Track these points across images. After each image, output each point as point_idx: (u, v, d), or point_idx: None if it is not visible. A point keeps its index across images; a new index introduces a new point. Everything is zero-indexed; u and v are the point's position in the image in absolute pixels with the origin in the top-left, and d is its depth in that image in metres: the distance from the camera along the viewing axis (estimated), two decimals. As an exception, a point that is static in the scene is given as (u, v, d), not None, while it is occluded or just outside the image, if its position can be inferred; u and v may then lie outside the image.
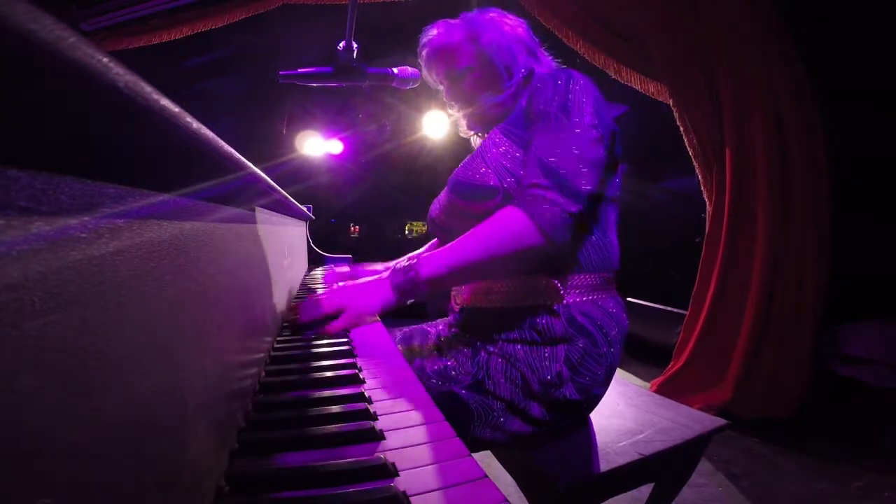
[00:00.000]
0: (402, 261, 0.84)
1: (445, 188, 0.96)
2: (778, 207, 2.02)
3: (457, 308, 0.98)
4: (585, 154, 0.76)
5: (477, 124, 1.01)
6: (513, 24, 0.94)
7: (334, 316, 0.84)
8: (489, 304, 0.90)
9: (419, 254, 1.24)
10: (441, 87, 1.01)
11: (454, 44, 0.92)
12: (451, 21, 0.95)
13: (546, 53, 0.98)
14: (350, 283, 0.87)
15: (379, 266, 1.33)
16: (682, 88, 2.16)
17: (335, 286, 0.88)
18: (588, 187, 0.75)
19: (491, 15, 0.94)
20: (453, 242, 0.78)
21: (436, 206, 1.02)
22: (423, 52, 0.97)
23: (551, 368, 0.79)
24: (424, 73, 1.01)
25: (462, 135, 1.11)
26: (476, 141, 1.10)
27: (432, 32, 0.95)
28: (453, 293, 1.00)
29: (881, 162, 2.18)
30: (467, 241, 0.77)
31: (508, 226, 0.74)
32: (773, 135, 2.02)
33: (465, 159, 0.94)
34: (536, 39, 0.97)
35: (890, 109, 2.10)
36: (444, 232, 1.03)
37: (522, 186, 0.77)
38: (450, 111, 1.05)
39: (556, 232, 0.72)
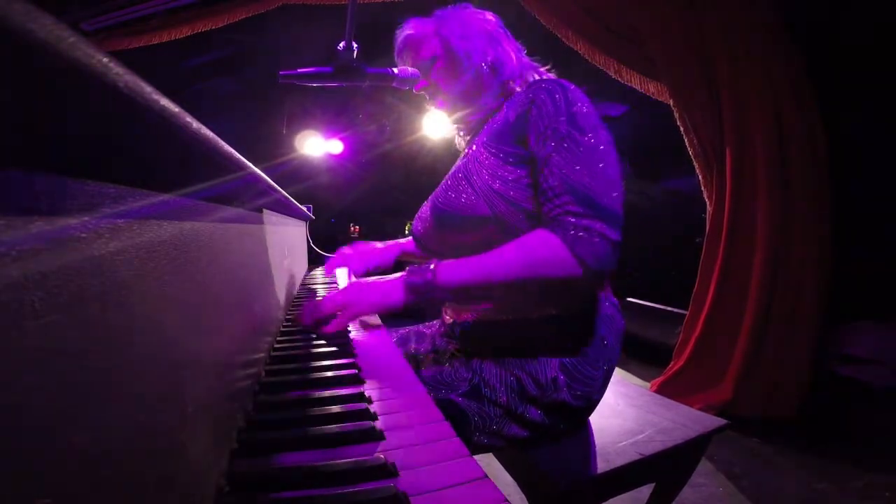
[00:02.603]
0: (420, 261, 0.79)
1: (427, 207, 0.91)
2: (778, 207, 2.02)
3: (448, 321, 0.95)
4: (613, 175, 0.72)
5: (454, 121, 1.00)
6: (482, 18, 0.93)
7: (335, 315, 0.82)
8: (481, 317, 0.87)
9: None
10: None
11: (420, 36, 0.93)
12: (423, 18, 0.96)
13: (515, 45, 0.95)
14: (360, 280, 0.84)
15: (380, 245, 1.31)
16: (682, 88, 2.15)
17: (347, 284, 0.83)
18: (619, 206, 0.72)
19: (460, 9, 0.94)
20: (479, 256, 0.74)
21: (419, 225, 0.96)
22: (397, 47, 0.98)
23: (546, 373, 0.78)
24: (398, 66, 0.99)
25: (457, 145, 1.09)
26: (459, 143, 1.08)
27: (405, 28, 0.96)
28: (445, 306, 0.97)
29: (881, 161, 2.17)
30: (495, 259, 0.72)
31: (545, 253, 0.69)
32: (773, 135, 2.02)
33: (445, 179, 0.88)
34: (507, 32, 0.95)
35: (890, 109, 2.10)
36: (434, 253, 0.96)
37: (550, 213, 0.72)
38: (427, 105, 1.03)
39: (601, 262, 0.68)
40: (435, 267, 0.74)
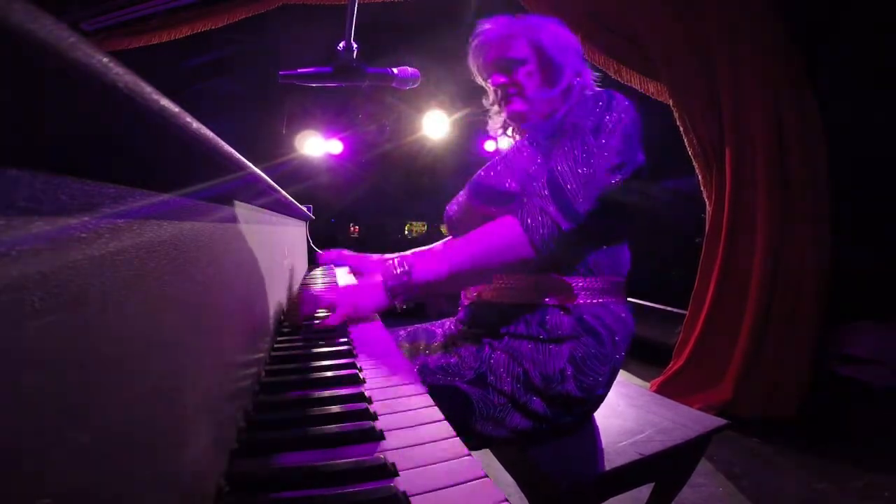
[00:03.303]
0: (395, 259, 0.87)
1: (465, 189, 0.98)
2: (778, 207, 2.02)
3: (466, 302, 0.99)
4: (595, 176, 0.76)
5: (517, 120, 1.01)
6: (570, 34, 0.99)
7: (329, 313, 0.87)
8: (499, 299, 0.91)
9: (420, 251, 1.25)
10: (483, 78, 1.02)
11: (508, 35, 0.95)
12: (512, 17, 0.98)
13: (588, 66, 1.02)
14: (348, 285, 0.90)
15: (382, 256, 1.37)
16: (682, 88, 2.16)
17: (335, 286, 0.91)
18: (585, 208, 0.76)
19: (549, 21, 0.98)
20: (446, 247, 0.81)
21: (453, 207, 1.03)
22: (476, 41, 0.98)
23: (555, 364, 0.80)
24: (470, 60, 1.02)
25: (490, 131, 1.11)
26: (506, 142, 1.11)
27: (490, 23, 0.98)
28: (465, 291, 1.01)
29: (881, 161, 2.17)
30: (460, 247, 0.79)
31: (501, 235, 0.76)
32: (773, 135, 2.02)
33: (488, 163, 0.95)
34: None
35: (890, 108, 2.10)
36: (460, 233, 1.04)
37: (527, 191, 0.79)
38: (484, 102, 1.07)
39: (545, 244, 0.74)
40: (409, 268, 0.80)
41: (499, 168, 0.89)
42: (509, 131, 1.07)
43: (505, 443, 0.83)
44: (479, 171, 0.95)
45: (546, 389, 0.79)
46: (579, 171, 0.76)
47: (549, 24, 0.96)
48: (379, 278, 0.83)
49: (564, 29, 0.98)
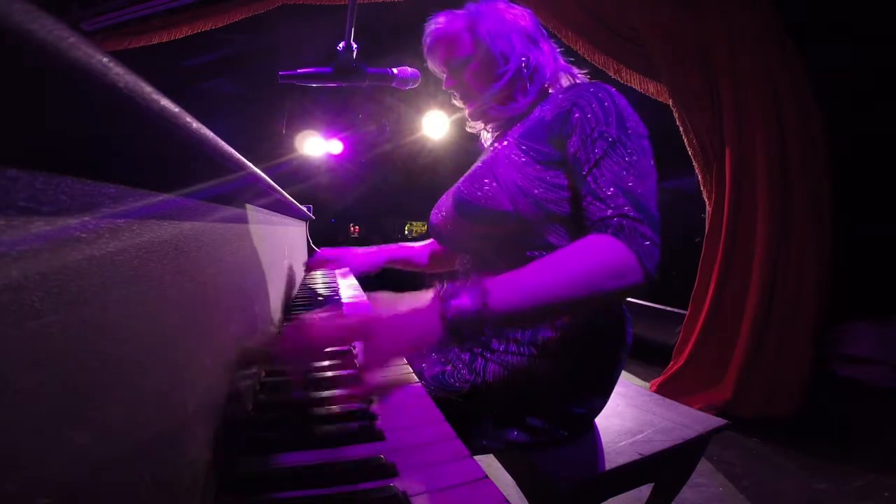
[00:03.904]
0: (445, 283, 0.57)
1: (448, 198, 0.88)
2: (778, 207, 2.02)
3: None
4: (654, 182, 0.71)
5: (480, 119, 0.97)
6: (516, 14, 0.89)
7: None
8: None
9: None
10: (443, 76, 0.97)
11: (453, 32, 0.89)
12: (455, 11, 0.92)
13: (551, 45, 0.93)
14: (381, 313, 0.54)
15: (362, 250, 1.30)
16: (682, 88, 2.16)
17: (355, 315, 0.54)
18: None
19: (494, 5, 0.90)
20: (535, 269, 0.60)
21: (438, 216, 0.94)
22: (426, 41, 0.93)
23: (550, 381, 0.77)
24: (428, 61, 0.97)
25: (468, 129, 1.06)
26: (485, 136, 1.04)
27: (435, 22, 0.92)
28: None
29: (881, 161, 2.17)
30: (559, 271, 0.59)
31: (611, 259, 0.61)
32: (773, 135, 2.02)
33: (471, 170, 0.87)
34: (543, 31, 0.92)
35: (890, 108, 2.10)
36: (450, 243, 0.97)
37: (601, 213, 0.66)
38: (454, 101, 1.01)
39: (655, 269, 0.62)
40: (485, 289, 0.55)
41: (485, 179, 0.79)
42: (489, 127, 1.00)
43: (502, 452, 0.81)
44: (462, 180, 0.86)
45: (543, 406, 0.77)
46: (648, 182, 0.69)
47: (492, 9, 0.88)
48: (424, 303, 0.55)
49: (511, 9, 0.89)
